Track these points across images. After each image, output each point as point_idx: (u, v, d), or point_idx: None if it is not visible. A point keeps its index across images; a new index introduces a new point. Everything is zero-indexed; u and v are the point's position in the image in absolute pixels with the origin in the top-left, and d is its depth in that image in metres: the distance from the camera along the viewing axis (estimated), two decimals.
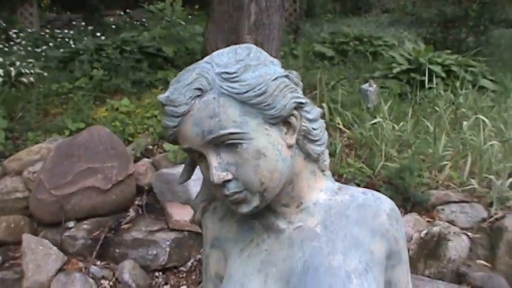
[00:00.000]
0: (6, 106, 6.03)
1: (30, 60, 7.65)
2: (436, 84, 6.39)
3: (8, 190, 4.28)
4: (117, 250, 3.87)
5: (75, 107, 6.06)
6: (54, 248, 3.74)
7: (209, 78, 1.01)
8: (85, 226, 3.98)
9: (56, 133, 5.46)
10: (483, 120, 4.43)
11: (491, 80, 7.16)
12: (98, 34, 10.35)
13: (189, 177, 1.24)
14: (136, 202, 4.26)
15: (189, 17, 11.98)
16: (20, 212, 4.17)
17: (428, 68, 6.72)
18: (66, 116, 5.82)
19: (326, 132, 1.18)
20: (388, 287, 1.20)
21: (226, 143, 1.01)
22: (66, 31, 11.07)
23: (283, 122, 1.05)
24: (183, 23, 8.96)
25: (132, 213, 4.17)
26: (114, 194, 4.10)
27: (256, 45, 4.42)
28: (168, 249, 3.82)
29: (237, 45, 1.10)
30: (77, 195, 4.00)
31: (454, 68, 6.88)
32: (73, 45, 9.46)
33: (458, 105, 5.28)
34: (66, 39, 10.29)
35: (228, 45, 4.30)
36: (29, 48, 9.39)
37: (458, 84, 5.92)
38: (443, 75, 6.74)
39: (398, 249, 1.17)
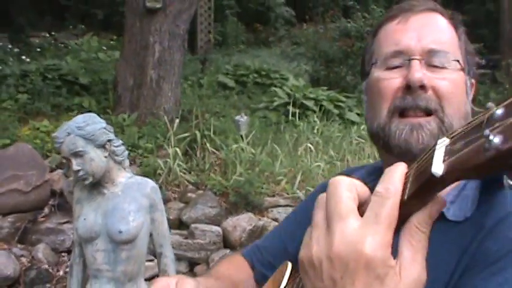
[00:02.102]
0: None
1: None
2: (307, 116, 8.20)
3: None
4: (33, 236, 5.41)
5: (2, 125, 7.52)
6: None
7: (72, 128, 2.66)
8: (10, 219, 5.48)
9: None
10: (310, 147, 6.24)
11: (357, 114, 9.05)
12: (23, 57, 11.78)
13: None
14: (50, 202, 5.78)
15: (111, 42, 13.54)
16: None
17: (302, 102, 8.56)
18: None
19: (126, 151, 2.85)
20: (153, 222, 2.86)
21: (78, 154, 2.65)
22: None
23: (102, 146, 2.71)
24: (98, 56, 10.50)
25: (46, 210, 5.70)
26: (33, 195, 5.63)
27: (159, 79, 6.40)
28: (71, 236, 5.36)
29: (85, 114, 2.76)
30: (3, 195, 5.51)
31: (324, 103, 8.72)
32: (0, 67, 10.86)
33: (313, 134, 7.06)
34: None
35: (135, 78, 6.59)
36: None
37: (315, 116, 7.74)
38: (315, 108, 8.56)
39: (155, 203, 2.84)
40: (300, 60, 12.77)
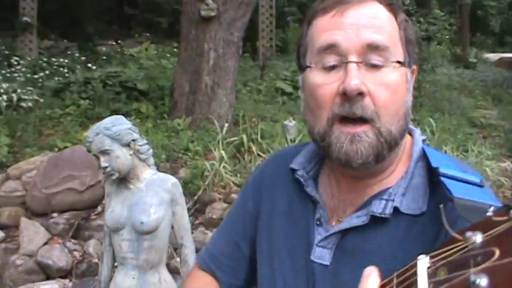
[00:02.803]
0: (9, 127, 8.03)
1: (29, 88, 9.67)
2: None
3: (11, 190, 6.24)
4: (86, 233, 5.81)
5: (64, 129, 8.04)
6: (42, 228, 5.68)
7: (100, 128, 2.98)
8: (65, 216, 5.91)
9: (48, 150, 7.41)
10: None
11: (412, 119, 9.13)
12: (89, 65, 12.42)
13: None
14: (103, 201, 6.17)
15: (174, 49, 14.05)
16: (19, 205, 6.13)
17: None
18: (56, 136, 7.81)
19: (151, 150, 3.16)
20: (174, 215, 3.15)
21: (106, 152, 2.97)
22: (61, 59, 13.11)
23: (127, 145, 3.02)
24: (159, 63, 10.98)
25: (99, 208, 6.11)
26: (87, 194, 6.05)
27: (214, 85, 6.81)
28: None
29: (114, 116, 3.08)
30: (60, 194, 5.95)
31: None
32: (67, 74, 11.51)
33: None
34: (61, 68, 12.33)
35: (191, 85, 7.06)
36: (28, 75, 11.41)
37: None
38: None
39: (175, 198, 3.12)
40: None
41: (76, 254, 5.60)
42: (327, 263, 1.14)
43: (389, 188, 1.12)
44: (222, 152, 6.33)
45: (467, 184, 0.99)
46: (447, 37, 13.30)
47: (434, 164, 1.06)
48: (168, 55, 13.69)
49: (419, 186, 1.10)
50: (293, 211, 1.25)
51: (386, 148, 1.06)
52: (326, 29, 1.07)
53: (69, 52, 14.38)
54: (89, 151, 3.08)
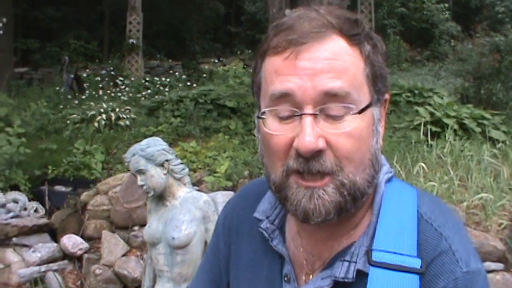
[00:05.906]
0: (104, 144, 8.56)
1: (128, 107, 10.24)
2: (446, 134, 8.24)
3: (98, 204, 6.69)
4: None
5: None
6: (122, 241, 6.07)
7: (136, 149, 3.25)
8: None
9: None
10: (423, 166, 6.36)
11: (503, 132, 8.84)
12: (189, 83, 12.93)
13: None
14: None
15: None
16: (105, 218, 6.56)
17: (443, 120, 8.60)
18: None
19: (187, 169, 3.38)
20: (207, 231, 3.34)
21: (142, 172, 3.23)
22: (163, 78, 13.75)
23: (161, 165, 3.26)
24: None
25: None
26: None
27: None
28: None
29: (150, 138, 3.34)
30: (140, 208, 6.31)
31: (466, 121, 8.67)
32: (167, 93, 12.05)
33: (444, 153, 7.15)
34: (162, 87, 12.93)
35: None
36: (131, 95, 12.06)
37: (454, 134, 7.77)
38: (456, 127, 8.54)
39: (207, 215, 3.33)
40: (451, 77, 12.59)
41: None
42: None
43: (352, 244, 1.06)
44: None
45: (403, 274, 0.98)
46: None
47: (378, 235, 1.03)
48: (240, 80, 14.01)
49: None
50: (260, 263, 1.21)
51: (350, 201, 0.99)
52: (279, 73, 0.98)
53: (171, 71, 15.03)
54: (128, 170, 3.35)
